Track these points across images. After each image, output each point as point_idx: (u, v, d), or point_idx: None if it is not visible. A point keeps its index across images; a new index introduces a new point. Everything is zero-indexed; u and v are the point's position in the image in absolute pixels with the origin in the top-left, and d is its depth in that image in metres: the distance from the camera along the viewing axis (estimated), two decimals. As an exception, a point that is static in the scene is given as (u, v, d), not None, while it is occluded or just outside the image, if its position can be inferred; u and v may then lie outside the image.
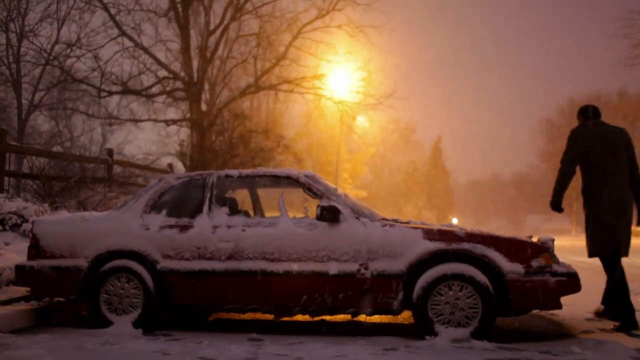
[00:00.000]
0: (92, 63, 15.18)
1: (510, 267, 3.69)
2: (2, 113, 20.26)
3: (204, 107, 16.40)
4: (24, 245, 5.01)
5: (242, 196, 4.86)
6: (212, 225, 4.15)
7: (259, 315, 4.71)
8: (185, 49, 15.42)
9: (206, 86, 17.68)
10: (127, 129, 26.36)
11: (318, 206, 3.96)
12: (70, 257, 4.28)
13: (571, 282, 3.71)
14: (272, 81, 17.23)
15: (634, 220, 4.37)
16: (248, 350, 3.42)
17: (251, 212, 4.75)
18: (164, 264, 4.14)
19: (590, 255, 4.32)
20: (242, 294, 4.02)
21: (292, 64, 16.71)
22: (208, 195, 4.30)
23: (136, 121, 17.80)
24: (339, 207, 3.97)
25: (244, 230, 4.08)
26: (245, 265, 4.00)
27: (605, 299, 4.39)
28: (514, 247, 3.76)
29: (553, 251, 3.85)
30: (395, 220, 4.20)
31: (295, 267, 3.92)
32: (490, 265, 3.72)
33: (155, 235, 4.19)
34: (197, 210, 4.27)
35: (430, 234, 3.83)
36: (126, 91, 15.71)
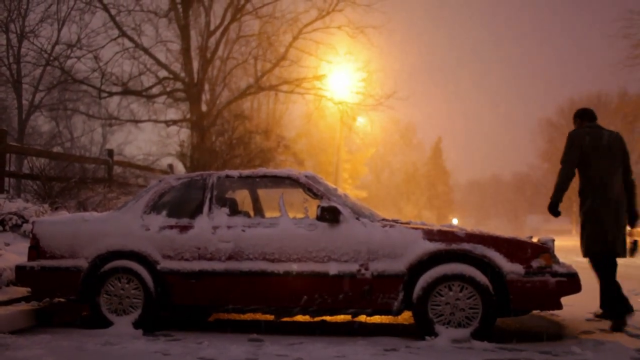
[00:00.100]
0: (93, 64, 15.20)
1: (511, 268, 3.69)
2: (2, 114, 20.27)
3: (204, 107, 16.41)
4: (24, 245, 5.01)
5: (242, 197, 4.86)
6: (212, 226, 4.15)
7: (259, 316, 4.71)
8: (186, 50, 15.43)
9: (206, 87, 17.70)
10: (127, 129, 26.35)
11: (318, 207, 3.96)
12: (71, 258, 4.28)
13: (571, 282, 3.71)
14: (273, 82, 17.24)
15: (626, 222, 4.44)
16: (248, 351, 3.42)
17: (251, 213, 4.75)
18: (164, 264, 4.14)
19: (585, 254, 4.38)
20: (242, 295, 4.02)
21: (293, 64, 16.73)
22: (208, 196, 4.31)
23: (136, 122, 17.81)
24: (339, 207, 3.97)
25: (244, 231, 4.08)
26: (246, 265, 4.00)
27: (604, 303, 4.41)
28: (514, 248, 3.76)
29: (553, 251, 3.86)
30: (396, 221, 4.20)
31: (295, 267, 3.92)
32: (491, 266, 3.72)
33: (155, 235, 4.20)
34: (197, 210, 4.28)
35: (431, 235, 3.83)
36: (126, 92, 15.72)
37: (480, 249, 3.74)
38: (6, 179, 7.39)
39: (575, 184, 4.49)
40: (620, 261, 4.39)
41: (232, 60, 17.95)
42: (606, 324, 4.24)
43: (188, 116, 16.15)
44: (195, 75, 15.51)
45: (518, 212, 59.00)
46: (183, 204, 4.40)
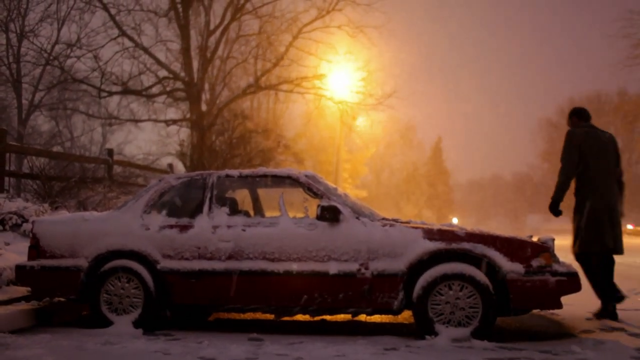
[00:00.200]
0: (92, 63, 15.20)
1: (511, 267, 3.69)
2: (2, 113, 20.25)
3: (204, 107, 16.41)
4: (24, 245, 5.01)
5: (242, 196, 4.86)
6: (212, 225, 4.15)
7: (259, 315, 4.71)
8: (186, 49, 15.43)
9: (206, 86, 17.70)
10: (127, 129, 26.33)
11: (318, 206, 3.96)
12: (71, 257, 4.28)
13: (571, 281, 3.71)
14: (272, 81, 17.24)
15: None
16: (248, 350, 3.42)
17: (251, 212, 4.75)
18: (164, 263, 4.14)
19: (580, 251, 4.46)
20: (242, 294, 4.02)
21: (292, 64, 16.73)
22: (208, 195, 4.31)
23: (136, 121, 17.81)
24: (339, 207, 3.97)
25: (244, 230, 4.08)
26: (246, 265, 4.00)
27: (606, 300, 4.42)
28: (514, 247, 3.76)
29: (553, 251, 3.86)
30: (396, 220, 4.20)
31: (295, 266, 3.92)
32: (491, 265, 3.72)
33: (155, 235, 4.20)
34: (197, 210, 4.28)
35: (431, 234, 3.83)
36: (126, 91, 15.72)
37: (480, 248, 3.74)
38: (6, 179, 7.39)
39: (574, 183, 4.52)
40: (620, 260, 4.43)
41: (232, 59, 17.96)
42: (606, 323, 4.25)
43: (188, 116, 16.16)
44: (195, 75, 15.52)
45: (518, 212, 59.02)
46: (183, 203, 4.41)
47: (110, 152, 10.22)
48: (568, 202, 4.54)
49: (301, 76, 16.75)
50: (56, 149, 20.60)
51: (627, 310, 4.83)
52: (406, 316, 4.42)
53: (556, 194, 4.49)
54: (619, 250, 4.44)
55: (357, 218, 3.98)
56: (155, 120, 17.34)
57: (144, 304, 4.10)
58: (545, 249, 3.79)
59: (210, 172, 4.54)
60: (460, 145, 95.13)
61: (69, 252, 4.29)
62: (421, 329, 3.72)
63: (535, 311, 4.30)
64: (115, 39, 15.07)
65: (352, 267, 3.85)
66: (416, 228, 3.90)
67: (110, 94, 15.75)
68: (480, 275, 3.68)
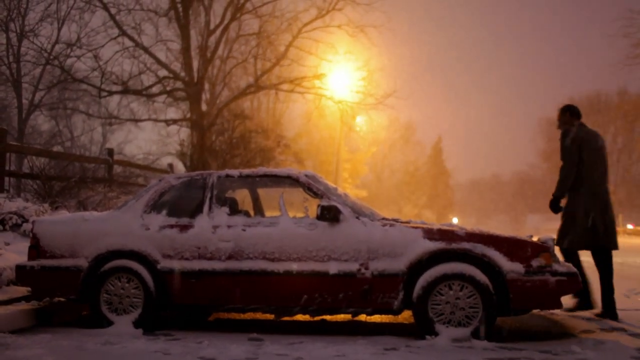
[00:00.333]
0: (93, 63, 15.18)
1: (511, 267, 3.69)
2: (2, 113, 20.27)
3: (204, 106, 16.40)
4: (24, 245, 5.01)
5: (242, 196, 4.86)
6: (212, 225, 4.15)
7: (260, 315, 4.71)
8: (186, 49, 15.42)
9: (206, 86, 17.70)
10: (127, 128, 26.39)
11: (318, 206, 3.96)
12: (71, 257, 4.28)
13: (571, 281, 3.71)
14: (273, 81, 17.23)
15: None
16: (248, 350, 3.42)
17: (251, 212, 4.75)
18: (164, 263, 4.14)
19: (570, 246, 4.54)
20: (242, 294, 4.02)
21: (293, 63, 16.71)
22: (208, 195, 4.31)
23: (136, 121, 17.81)
24: (339, 206, 3.97)
25: (244, 230, 4.08)
26: (246, 265, 4.00)
27: (605, 302, 4.44)
28: (514, 247, 3.76)
29: (553, 250, 3.86)
30: (396, 220, 4.20)
31: (295, 266, 3.92)
32: (491, 265, 3.72)
33: (155, 235, 4.20)
34: (198, 210, 4.27)
35: (431, 234, 3.83)
36: (126, 91, 15.71)
37: (480, 248, 3.74)
38: (6, 179, 7.38)
39: None
40: (620, 260, 4.43)
41: (232, 59, 17.96)
42: (606, 323, 4.25)
43: (188, 115, 16.15)
44: (195, 75, 15.51)
45: (518, 212, 59.02)
46: (183, 203, 4.40)
47: (110, 151, 10.22)
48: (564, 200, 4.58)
49: (301, 76, 16.74)
50: (56, 148, 20.63)
51: (627, 310, 4.83)
52: (406, 316, 4.42)
53: (558, 191, 4.56)
54: (614, 246, 4.50)
55: (357, 218, 3.98)
56: (156, 120, 17.35)
57: (144, 304, 4.10)
58: (545, 248, 3.79)
59: (211, 172, 4.54)
60: (461, 145, 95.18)
61: (69, 252, 4.29)
62: (421, 329, 3.72)
63: (535, 311, 4.31)
64: (115, 38, 15.06)
65: (352, 267, 3.85)
66: (416, 228, 3.89)
67: (111, 93, 15.74)
68: (480, 275, 3.68)
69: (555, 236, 4.28)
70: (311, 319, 4.36)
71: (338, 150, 23.75)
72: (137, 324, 4.06)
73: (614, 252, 4.55)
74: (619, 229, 31.63)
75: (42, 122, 23.80)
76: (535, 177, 48.45)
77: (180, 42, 15.65)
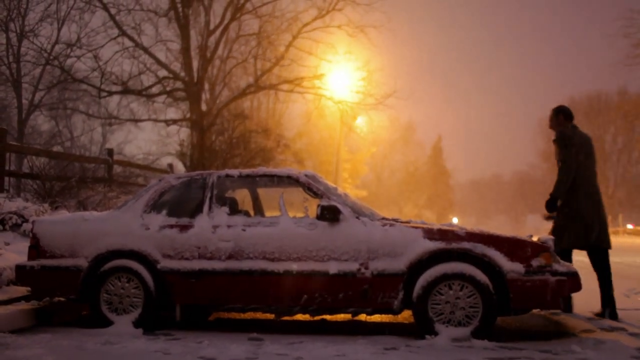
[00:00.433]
0: (92, 63, 15.20)
1: (511, 267, 3.69)
2: (2, 113, 20.26)
3: (204, 107, 16.41)
4: (24, 245, 5.01)
5: (242, 196, 4.86)
6: (212, 225, 4.15)
7: (260, 315, 4.71)
8: (186, 49, 15.43)
9: (206, 86, 17.71)
10: (127, 128, 26.38)
11: (318, 206, 3.96)
12: (71, 257, 4.28)
13: (571, 281, 3.71)
14: (272, 81, 17.25)
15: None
16: (248, 350, 3.42)
17: (251, 212, 4.75)
18: (164, 263, 4.14)
19: (567, 246, 4.54)
20: (242, 294, 4.02)
21: (292, 63, 16.72)
22: (208, 195, 4.31)
23: (136, 121, 17.83)
24: (339, 206, 3.97)
25: (244, 230, 4.08)
26: (246, 264, 4.00)
27: (605, 301, 4.46)
28: (514, 247, 3.76)
29: (553, 250, 3.86)
30: (396, 220, 4.20)
31: (295, 266, 3.92)
32: (491, 265, 3.72)
33: (155, 235, 4.19)
34: (198, 210, 4.27)
35: (431, 234, 3.83)
36: (126, 91, 15.71)
37: (480, 248, 3.74)
38: (6, 178, 7.39)
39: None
40: (620, 260, 4.44)
41: (231, 59, 17.97)
42: (606, 322, 4.25)
43: (188, 115, 16.16)
44: (195, 75, 15.52)
45: (518, 211, 59.02)
46: (183, 203, 4.40)
47: (110, 151, 10.22)
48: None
49: (301, 76, 16.76)
50: (56, 148, 20.63)
51: (627, 309, 4.83)
52: (406, 316, 4.41)
53: (557, 192, 4.59)
54: (608, 245, 4.57)
55: (357, 218, 3.98)
56: (155, 120, 17.36)
57: (144, 303, 4.10)
58: (545, 248, 3.79)
59: (210, 171, 4.54)
60: (461, 145, 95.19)
61: (69, 252, 4.29)
62: (421, 328, 3.72)
63: (535, 311, 4.31)
64: (115, 38, 15.08)
65: (352, 266, 3.85)
66: (416, 228, 3.89)
67: (110, 93, 15.75)
68: (480, 275, 3.68)
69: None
70: (311, 318, 4.36)
71: (338, 150, 23.75)
72: (137, 323, 4.06)
73: (611, 252, 4.59)
74: (619, 228, 31.77)
75: (42, 122, 23.83)
76: (536, 177, 48.45)
77: (180, 42, 15.67)
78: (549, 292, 3.66)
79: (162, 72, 15.85)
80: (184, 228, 4.19)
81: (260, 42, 16.81)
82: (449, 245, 3.77)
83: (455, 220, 45.83)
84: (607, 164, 44.53)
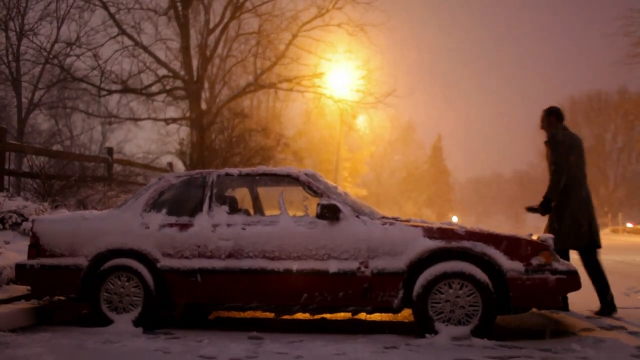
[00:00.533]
0: (92, 62, 15.18)
1: (511, 265, 3.69)
2: (1, 112, 20.25)
3: (203, 105, 16.39)
4: (24, 244, 5.01)
5: (242, 195, 4.86)
6: (212, 224, 4.15)
7: (259, 314, 4.72)
8: (185, 48, 15.42)
9: (206, 85, 17.70)
10: (126, 127, 26.36)
11: (318, 204, 3.96)
12: (71, 256, 4.28)
13: (571, 280, 3.71)
14: (272, 80, 17.23)
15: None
16: (248, 349, 3.42)
17: (251, 211, 4.75)
18: (164, 262, 4.14)
19: (564, 247, 4.56)
20: (242, 293, 4.02)
21: (292, 62, 16.70)
22: (208, 194, 4.30)
23: (136, 120, 17.81)
24: (339, 205, 3.97)
25: (244, 229, 4.08)
26: (246, 263, 4.00)
27: (602, 297, 4.53)
28: (514, 245, 3.76)
29: (553, 249, 3.86)
30: (396, 219, 4.20)
31: (295, 265, 3.92)
32: (491, 263, 3.72)
33: (155, 233, 4.19)
34: (197, 208, 4.27)
35: (431, 232, 3.83)
36: (126, 90, 15.70)
37: (480, 247, 3.74)
38: (6, 177, 7.39)
39: None
40: (620, 259, 4.46)
41: (231, 58, 17.96)
42: (605, 321, 4.25)
43: (188, 114, 16.14)
44: (195, 73, 15.51)
45: (518, 210, 58.92)
46: (183, 202, 4.40)
47: (110, 150, 10.22)
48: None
49: (301, 75, 16.74)
50: (56, 147, 20.62)
51: (627, 308, 4.84)
52: (406, 314, 4.42)
53: (551, 193, 4.64)
54: (598, 244, 4.64)
55: (357, 216, 3.98)
56: (155, 119, 17.35)
57: (144, 302, 4.11)
58: (545, 247, 3.79)
59: (210, 170, 4.54)
60: (461, 144, 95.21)
61: (68, 251, 4.29)
62: (421, 327, 3.72)
63: (534, 309, 4.31)
64: (114, 37, 15.06)
65: (352, 265, 3.85)
66: (416, 226, 3.89)
67: (110, 92, 15.73)
68: (480, 274, 3.68)
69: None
70: (311, 317, 4.36)
71: (338, 149, 23.75)
72: (137, 322, 4.06)
73: (610, 251, 4.63)
74: (618, 227, 31.81)
75: (41, 121, 23.81)
76: (536, 177, 48.43)
77: (180, 41, 15.65)
78: (548, 291, 3.66)
79: (162, 71, 15.85)
80: (184, 227, 4.19)
81: (260, 40, 16.80)
82: (449, 244, 3.77)
83: (455, 219, 45.79)
84: (607, 163, 44.59)
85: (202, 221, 4.18)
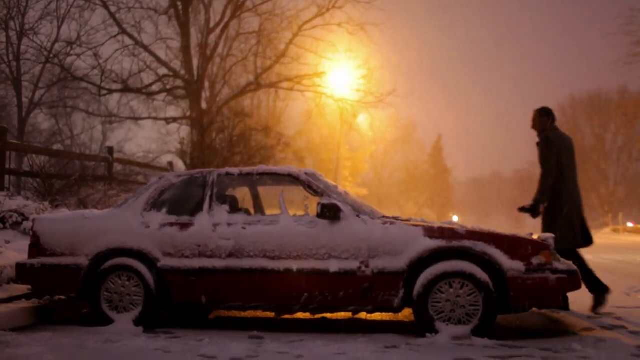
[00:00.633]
0: (93, 61, 15.21)
1: (511, 265, 3.68)
2: (2, 111, 20.26)
3: (204, 105, 16.41)
4: (24, 243, 5.01)
5: (242, 194, 4.86)
6: (212, 223, 4.15)
7: (260, 313, 4.72)
8: (186, 47, 15.43)
9: (206, 84, 17.71)
10: (127, 127, 26.34)
11: (318, 204, 3.95)
12: (71, 255, 4.28)
13: (572, 279, 3.71)
14: (273, 79, 17.25)
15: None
16: (249, 348, 3.42)
17: (252, 210, 4.75)
18: (165, 262, 4.14)
19: (564, 246, 4.56)
20: (242, 292, 4.02)
21: (293, 61, 16.73)
22: (208, 193, 4.30)
23: (136, 119, 17.85)
24: (340, 204, 3.97)
25: (244, 228, 4.08)
26: (246, 263, 4.00)
27: (591, 286, 4.58)
28: (514, 245, 3.76)
29: (553, 248, 3.86)
30: (396, 218, 4.20)
31: (295, 265, 3.91)
32: (491, 263, 3.72)
33: (155, 233, 4.19)
34: (198, 208, 4.27)
35: (431, 232, 3.83)
36: (126, 89, 15.71)
37: (480, 246, 3.73)
38: (6, 177, 7.38)
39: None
40: (620, 258, 4.48)
41: (232, 57, 17.98)
42: (606, 320, 4.25)
43: (188, 113, 16.16)
44: (195, 73, 15.51)
45: (518, 210, 58.93)
46: (183, 201, 4.40)
47: (110, 150, 10.22)
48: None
49: (301, 74, 16.77)
50: (56, 147, 20.61)
51: (627, 308, 4.84)
52: (406, 314, 4.42)
53: (542, 196, 4.70)
54: (591, 242, 4.72)
55: (358, 216, 3.98)
56: (156, 118, 17.37)
57: (144, 302, 4.11)
58: (545, 246, 3.79)
59: (211, 170, 4.53)
60: (461, 143, 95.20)
61: (69, 250, 4.29)
62: (422, 326, 3.72)
63: (535, 309, 4.31)
64: (115, 36, 15.08)
65: (353, 265, 3.85)
66: (416, 226, 3.89)
67: (110, 91, 15.75)
68: (480, 273, 3.68)
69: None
70: (312, 316, 4.36)
71: (338, 149, 23.76)
72: (137, 322, 4.06)
73: (611, 250, 4.65)
74: (619, 227, 31.81)
75: (42, 120, 23.82)
76: (536, 176, 48.22)
77: (180, 40, 15.67)
78: (549, 290, 3.66)
79: (162, 70, 15.87)
80: (184, 226, 4.19)
81: (261, 40, 16.81)
82: (450, 244, 3.77)
83: (455, 219, 45.75)
84: (607, 162, 44.56)
85: (202, 220, 4.18)
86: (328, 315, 4.51)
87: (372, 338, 3.68)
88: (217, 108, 16.04)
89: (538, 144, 4.83)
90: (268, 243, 3.99)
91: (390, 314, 4.50)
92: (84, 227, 4.33)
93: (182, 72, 15.80)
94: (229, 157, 13.23)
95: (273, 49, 16.99)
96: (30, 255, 4.39)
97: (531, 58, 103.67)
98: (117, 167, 10.73)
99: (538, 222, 4.90)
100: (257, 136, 15.51)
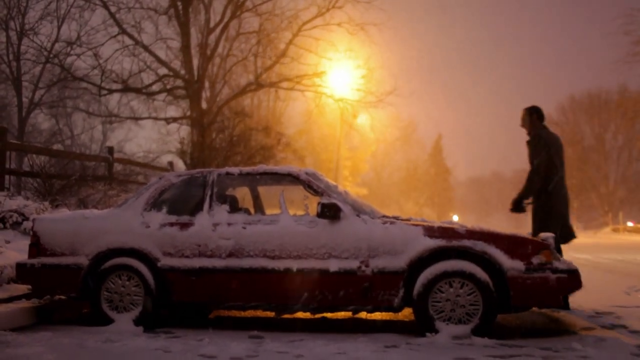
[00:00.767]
0: (93, 61, 15.20)
1: (511, 264, 3.68)
2: (2, 111, 20.28)
3: (204, 104, 16.41)
4: (24, 243, 5.01)
5: (242, 194, 4.86)
6: (212, 223, 4.15)
7: (260, 313, 4.72)
8: (186, 47, 15.42)
9: (206, 84, 17.71)
10: (127, 126, 26.34)
11: (319, 203, 3.95)
12: (71, 255, 4.28)
13: (572, 279, 3.71)
14: (273, 79, 17.23)
15: None
16: (249, 348, 3.42)
17: (252, 210, 4.75)
18: (165, 261, 4.14)
19: (556, 244, 4.55)
20: (242, 292, 4.02)
21: (293, 61, 16.72)
22: (208, 193, 4.30)
23: (136, 119, 17.85)
24: (340, 204, 3.97)
25: (244, 228, 4.08)
26: (246, 262, 4.00)
27: None
28: (514, 244, 3.76)
29: (553, 248, 3.86)
30: (396, 218, 4.20)
31: (295, 264, 3.91)
32: (491, 262, 3.72)
33: (155, 233, 4.19)
34: (198, 207, 4.27)
35: (431, 231, 3.83)
36: (126, 89, 15.71)
37: (480, 246, 3.73)
38: (6, 177, 7.38)
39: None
40: (620, 258, 4.49)
41: (232, 57, 17.98)
42: (606, 320, 4.25)
43: (188, 113, 16.15)
44: (195, 73, 15.51)
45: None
46: (183, 201, 4.40)
47: (110, 150, 10.22)
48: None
49: (301, 74, 16.75)
50: (56, 147, 20.60)
51: (627, 307, 4.84)
52: (407, 314, 4.42)
53: (526, 192, 4.73)
54: (574, 236, 4.78)
55: (358, 215, 3.98)
56: (156, 118, 17.37)
57: (144, 301, 4.10)
58: (545, 246, 3.79)
59: (211, 169, 4.53)
60: (461, 143, 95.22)
61: (69, 250, 4.29)
62: (422, 326, 3.72)
63: (535, 308, 4.31)
64: (115, 36, 15.07)
65: (353, 264, 3.85)
66: (417, 225, 3.89)
67: (111, 91, 15.74)
68: (480, 273, 3.68)
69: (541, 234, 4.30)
70: (312, 316, 4.36)
71: (338, 148, 23.77)
72: (137, 321, 4.06)
73: (611, 250, 4.67)
74: (619, 226, 31.82)
75: (42, 120, 23.82)
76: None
77: (180, 40, 15.66)
78: (549, 290, 3.66)
79: (163, 70, 15.86)
80: (185, 226, 4.19)
81: (261, 40, 16.80)
82: (450, 243, 3.77)
83: (455, 218, 45.78)
84: (607, 162, 44.53)
85: (202, 220, 4.18)
86: (328, 314, 4.50)
87: (372, 337, 3.68)
88: (217, 108, 16.03)
89: (528, 142, 4.85)
90: (268, 243, 3.99)
91: (390, 313, 4.50)
92: (84, 227, 4.33)
93: (182, 72, 15.79)
94: (229, 157, 13.22)
95: (273, 48, 17.00)
96: (31, 255, 4.40)
97: (531, 58, 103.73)
98: (117, 167, 10.73)
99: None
100: (257, 136, 15.50)
